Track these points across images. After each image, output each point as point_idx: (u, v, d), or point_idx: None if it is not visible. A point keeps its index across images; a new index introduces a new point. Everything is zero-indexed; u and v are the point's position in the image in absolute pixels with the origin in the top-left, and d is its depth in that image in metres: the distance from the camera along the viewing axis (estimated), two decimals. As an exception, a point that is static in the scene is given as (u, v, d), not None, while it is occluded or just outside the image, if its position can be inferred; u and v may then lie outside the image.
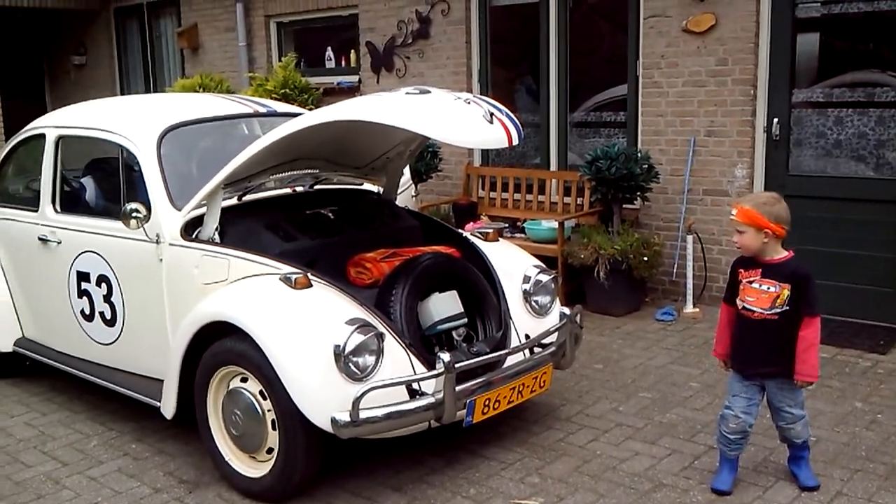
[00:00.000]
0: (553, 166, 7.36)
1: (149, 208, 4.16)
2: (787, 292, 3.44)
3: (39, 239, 4.82)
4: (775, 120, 6.15)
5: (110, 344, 4.46)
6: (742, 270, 3.56)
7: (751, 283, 3.51)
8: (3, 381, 5.29)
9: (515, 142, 3.68)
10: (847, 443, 4.12)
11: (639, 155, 6.36)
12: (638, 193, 6.39)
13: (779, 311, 3.45)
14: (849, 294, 5.86)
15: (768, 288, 3.47)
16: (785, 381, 3.55)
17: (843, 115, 5.99)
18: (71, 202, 4.90)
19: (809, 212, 5.93)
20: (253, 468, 3.77)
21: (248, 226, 4.19)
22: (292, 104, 6.63)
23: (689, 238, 6.28)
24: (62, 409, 4.85)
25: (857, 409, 4.51)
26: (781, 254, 3.52)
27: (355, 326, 3.54)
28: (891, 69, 5.86)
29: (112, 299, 4.40)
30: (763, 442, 4.01)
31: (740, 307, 3.54)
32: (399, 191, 5.20)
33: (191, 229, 4.15)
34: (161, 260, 4.15)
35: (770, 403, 3.62)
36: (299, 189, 4.73)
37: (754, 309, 3.49)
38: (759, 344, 3.50)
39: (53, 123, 5.01)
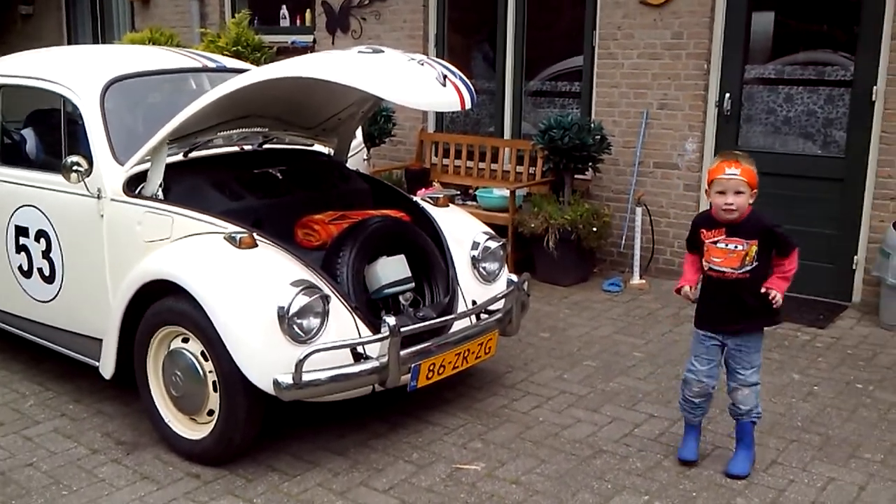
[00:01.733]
0: (507, 135, 7.34)
1: (90, 162, 4.03)
2: (754, 248, 3.40)
3: (-24, 192, 4.66)
4: (727, 95, 6.20)
5: (49, 301, 4.35)
6: (704, 230, 3.49)
7: (715, 243, 3.45)
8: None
9: (468, 105, 3.64)
10: (783, 413, 4.21)
11: (592, 126, 6.37)
12: (590, 164, 6.40)
13: (749, 268, 3.41)
14: (791, 269, 5.95)
15: (735, 247, 3.42)
16: (747, 339, 3.53)
17: (794, 92, 6.06)
18: (10, 154, 4.74)
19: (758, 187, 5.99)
20: (193, 430, 3.72)
21: (193, 183, 4.09)
22: (245, 62, 6.49)
23: (639, 210, 6.33)
24: (-3, 368, 4.74)
25: (794, 381, 4.61)
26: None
27: (300, 288, 3.49)
28: (843, 50, 5.93)
29: (51, 255, 4.28)
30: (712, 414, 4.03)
31: (707, 268, 3.49)
32: (351, 154, 5.14)
33: (134, 185, 4.04)
34: (102, 216, 4.04)
35: (727, 364, 3.59)
36: (248, 148, 4.63)
37: (724, 269, 3.44)
38: (732, 303, 3.47)
39: (-7, 73, 4.83)
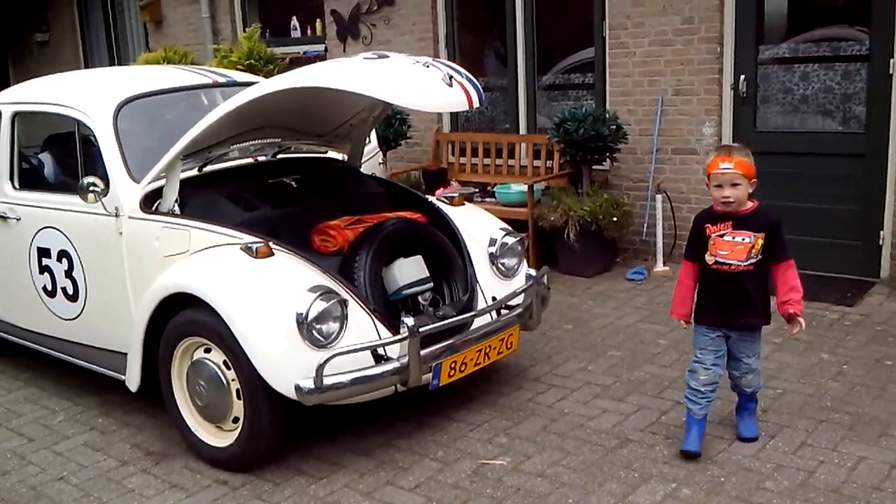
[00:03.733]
0: (522, 130, 7.33)
1: (107, 182, 4.10)
2: (760, 241, 3.43)
3: (-1, 216, 4.76)
4: (742, 77, 6.14)
5: (73, 319, 4.42)
6: (709, 225, 3.51)
7: (721, 236, 3.47)
8: (-33, 359, 5.26)
9: (476, 104, 3.65)
10: (812, 394, 4.16)
11: (606, 116, 6.34)
12: (607, 154, 6.38)
13: (754, 260, 3.44)
14: (817, 248, 5.88)
15: (742, 239, 3.44)
16: (749, 331, 3.58)
17: (810, 70, 5.98)
18: (29, 179, 4.83)
19: (777, 167, 5.94)
20: (219, 438, 3.76)
21: (208, 196, 4.14)
22: (258, 75, 6.55)
23: (659, 197, 6.28)
24: (28, 386, 4.82)
25: (823, 361, 4.55)
26: (748, 204, 3.50)
27: (318, 293, 3.52)
28: (858, 24, 5.85)
29: (73, 274, 4.35)
30: (728, 395, 4.01)
31: (711, 262, 3.50)
32: (365, 158, 5.17)
33: (150, 202, 4.10)
34: (121, 233, 4.10)
35: (730, 352, 3.61)
36: (262, 159, 4.68)
37: (730, 262, 3.45)
38: (736, 296, 3.48)
39: (8, 100, 4.91)
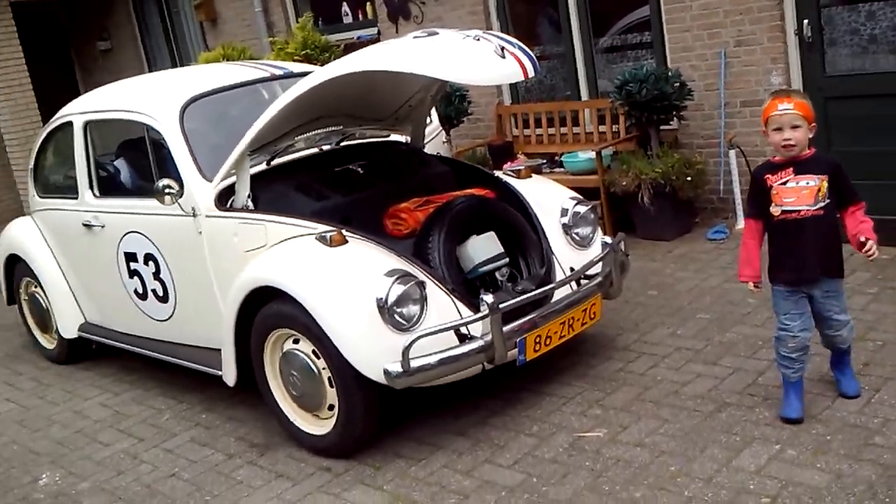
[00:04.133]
0: (584, 96, 7.18)
1: (181, 183, 4.16)
2: (825, 184, 3.30)
3: (84, 225, 4.88)
4: (805, 21, 5.89)
5: (167, 319, 4.53)
6: (769, 175, 3.37)
7: (784, 183, 3.33)
8: (75, 366, 5.45)
9: (531, 74, 3.61)
10: (915, 343, 4.00)
11: (669, 74, 6.17)
12: (673, 113, 6.22)
13: (822, 204, 3.29)
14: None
15: (808, 183, 3.30)
16: (832, 285, 3.42)
17: (875, 8, 5.71)
18: (108, 185, 4.95)
19: (850, 112, 5.71)
20: (317, 426, 3.81)
21: (279, 189, 4.17)
22: (315, 64, 6.56)
23: (732, 153, 6.10)
24: (133, 388, 4.97)
25: (920, 308, 4.37)
26: (807, 150, 3.36)
27: (395, 277, 3.52)
28: (923, -47, 5.57)
29: (161, 276, 4.45)
30: (824, 350, 3.85)
31: (778, 213, 3.35)
32: (429, 138, 5.14)
33: (225, 199, 4.15)
34: (200, 232, 4.16)
35: (817, 314, 3.46)
36: (326, 148, 4.68)
37: (799, 208, 3.30)
38: (812, 244, 3.33)
39: (79, 110, 5.03)
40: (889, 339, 4.06)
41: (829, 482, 3.05)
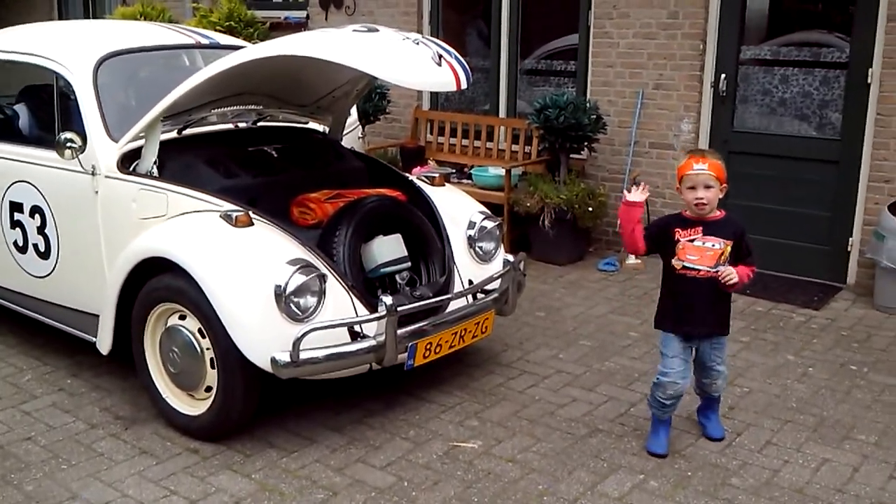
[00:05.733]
0: (502, 113, 7.31)
1: (84, 139, 4.01)
2: (728, 248, 3.43)
3: (-31, 167, 4.62)
4: (723, 76, 6.18)
5: (44, 277, 4.33)
6: (679, 230, 3.47)
7: (692, 241, 3.44)
8: (-70, 314, 5.13)
9: (464, 86, 3.63)
10: (778, 394, 4.23)
11: (587, 105, 6.35)
12: (585, 144, 6.39)
13: (721, 267, 3.41)
14: (786, 250, 5.98)
15: (713, 245, 3.42)
16: (720, 339, 3.59)
17: (790, 73, 6.05)
18: (3, 130, 4.71)
19: (751, 168, 6.03)
20: (191, 406, 3.72)
21: (188, 160, 4.07)
22: (237, 37, 6.43)
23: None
24: (-7, 343, 4.73)
25: (789, 362, 4.63)
26: (717, 212, 3.49)
27: (297, 267, 3.49)
28: (838, 31, 5.92)
29: (46, 231, 4.25)
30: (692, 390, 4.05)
31: (679, 267, 3.45)
32: (345, 132, 5.11)
33: (128, 162, 4.02)
34: (97, 192, 4.02)
35: (700, 362, 3.61)
36: (242, 125, 4.60)
37: (699, 267, 3.42)
38: (705, 302, 3.46)
39: (-16, 47, 4.77)
40: (755, 388, 4.29)
41: (685, 517, 3.20)
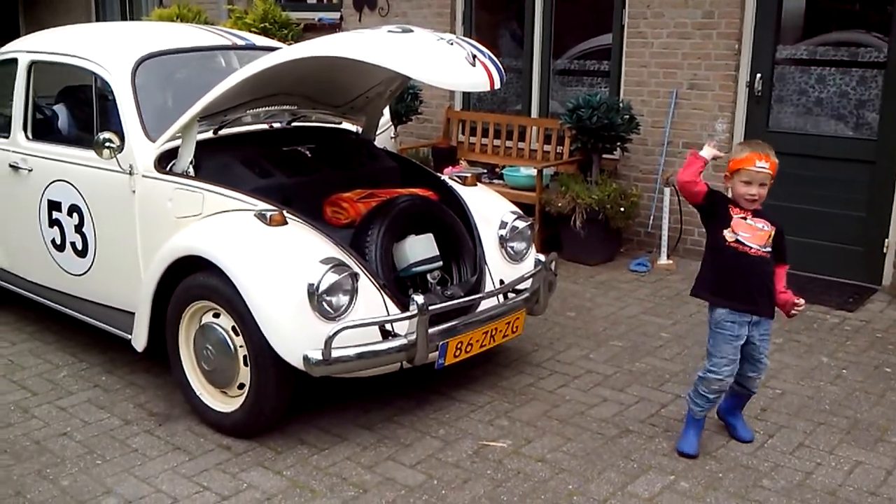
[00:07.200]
0: (534, 113, 7.31)
1: (122, 138, 4.08)
2: (773, 233, 3.50)
3: (10, 166, 4.72)
4: (758, 75, 6.13)
5: (81, 275, 4.41)
6: (732, 206, 3.53)
7: (744, 219, 3.49)
8: (-28, 309, 5.26)
9: (497, 86, 3.64)
10: (812, 396, 4.19)
11: (620, 105, 6.32)
12: (618, 144, 6.37)
13: (768, 249, 3.48)
14: (821, 251, 5.92)
15: (762, 226, 3.49)
16: (768, 326, 3.57)
17: (826, 73, 5.98)
18: (43, 130, 4.81)
19: (786, 168, 5.88)
20: (224, 403, 3.78)
21: (223, 160, 4.13)
22: (272, 39, 6.50)
23: (667, 191, 6.29)
24: (32, 339, 4.82)
25: (822, 364, 4.58)
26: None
27: (330, 266, 3.52)
28: (875, 30, 5.84)
29: (83, 230, 4.34)
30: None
31: (732, 240, 3.47)
32: (378, 132, 5.15)
33: (165, 162, 4.08)
34: (134, 192, 4.09)
35: (748, 355, 3.56)
36: (276, 125, 4.66)
37: (751, 245, 3.46)
38: (759, 280, 3.48)
39: (26, 48, 4.87)
40: (787, 389, 4.26)
41: (716, 519, 3.19)
